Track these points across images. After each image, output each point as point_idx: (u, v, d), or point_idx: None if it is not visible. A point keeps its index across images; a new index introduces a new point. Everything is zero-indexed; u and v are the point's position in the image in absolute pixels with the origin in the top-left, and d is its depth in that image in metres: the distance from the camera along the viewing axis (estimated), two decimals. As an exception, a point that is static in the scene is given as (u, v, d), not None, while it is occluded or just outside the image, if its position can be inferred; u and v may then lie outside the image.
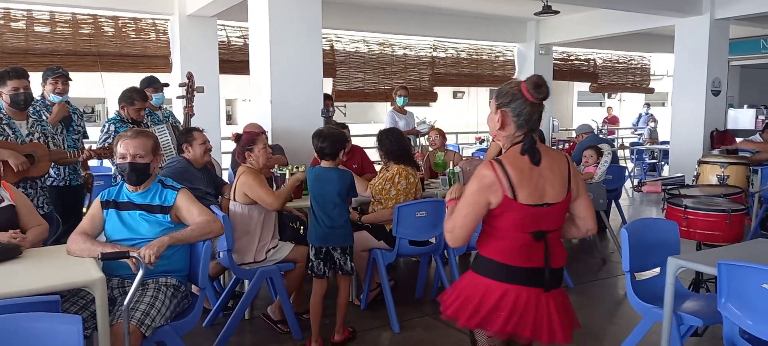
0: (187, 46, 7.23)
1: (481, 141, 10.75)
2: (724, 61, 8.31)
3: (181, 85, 4.77)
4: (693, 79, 8.09)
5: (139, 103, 4.32)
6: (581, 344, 3.49)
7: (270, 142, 4.82)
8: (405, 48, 9.87)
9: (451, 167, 4.89)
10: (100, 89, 7.93)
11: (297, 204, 4.13)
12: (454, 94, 17.13)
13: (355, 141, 5.48)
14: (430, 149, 5.60)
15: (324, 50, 8.40)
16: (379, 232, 3.84)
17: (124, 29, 7.42)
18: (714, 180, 3.60)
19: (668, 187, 3.45)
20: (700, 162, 3.71)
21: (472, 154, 8.36)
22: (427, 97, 10.36)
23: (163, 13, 7.29)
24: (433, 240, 3.94)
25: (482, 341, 2.04)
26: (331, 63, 8.95)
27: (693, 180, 3.77)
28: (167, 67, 7.55)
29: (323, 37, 8.22)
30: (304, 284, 3.78)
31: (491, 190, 1.88)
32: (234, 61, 8.13)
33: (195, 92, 4.71)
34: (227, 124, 17.30)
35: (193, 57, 7.17)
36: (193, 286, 2.85)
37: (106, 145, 4.01)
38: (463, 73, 10.61)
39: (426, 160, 5.57)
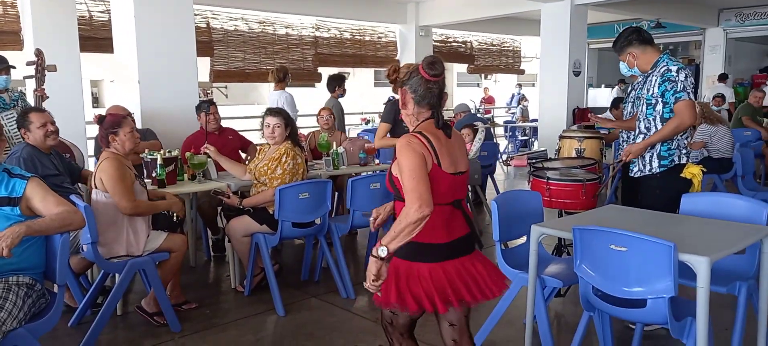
0: (41, 21, 6.47)
1: (367, 122, 10.87)
2: (583, 44, 9.07)
3: (28, 64, 4.29)
4: (557, 61, 8.74)
5: None
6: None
7: (139, 126, 4.52)
8: (287, 27, 9.66)
9: (334, 148, 4.90)
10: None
11: (174, 190, 3.92)
12: (339, 75, 17.11)
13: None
14: (320, 129, 5.54)
15: (199, 28, 8.00)
16: (262, 215, 3.75)
17: (-38, 1, 6.54)
18: (573, 153, 3.91)
19: (533, 160, 3.72)
20: (560, 137, 4.02)
21: (358, 134, 8.43)
22: (311, 78, 10.25)
23: (11, -17, 6.52)
24: (317, 221, 3.93)
25: (404, 315, 2.11)
26: (208, 41, 8.54)
27: (555, 153, 4.09)
28: (18, 44, 6.76)
29: (197, 14, 7.81)
30: (180, 274, 3.62)
31: (424, 155, 1.93)
32: (97, 38, 7.47)
33: (46, 71, 4.26)
34: (93, 107, 15.98)
35: (48, 33, 6.44)
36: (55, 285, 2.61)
37: None
38: (347, 54, 10.61)
39: (309, 142, 5.53)
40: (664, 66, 3.16)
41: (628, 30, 3.29)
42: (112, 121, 3.29)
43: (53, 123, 3.57)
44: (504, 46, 13.57)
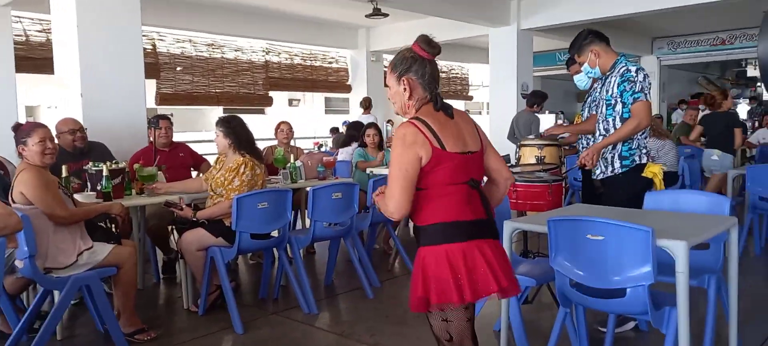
0: (-27, 38, 6.12)
1: (320, 146, 10.76)
2: (529, 68, 9.33)
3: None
4: (505, 83, 8.96)
5: None
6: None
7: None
8: (236, 50, 9.49)
9: (291, 162, 4.75)
10: None
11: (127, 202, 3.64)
12: (290, 102, 16.98)
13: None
14: (277, 144, 5.41)
15: (145, 50, 7.71)
16: (217, 227, 3.54)
17: None
18: (533, 160, 3.92)
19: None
20: (520, 145, 4.03)
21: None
22: (262, 102, 10.06)
23: (-62, -2, 6.10)
24: (276, 233, 3.75)
25: (458, 317, 1.89)
26: (155, 63, 8.25)
27: (515, 161, 4.09)
28: (-54, 63, 6.32)
29: (143, 35, 7.55)
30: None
31: (418, 144, 1.78)
32: (34, 58, 7.10)
33: None
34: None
35: (-20, 51, 6.09)
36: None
37: None
38: (298, 79, 10.51)
39: (265, 156, 5.35)
40: (623, 66, 3.22)
41: (585, 31, 3.33)
42: (24, 129, 3.02)
43: None
44: (451, 73, 13.82)
